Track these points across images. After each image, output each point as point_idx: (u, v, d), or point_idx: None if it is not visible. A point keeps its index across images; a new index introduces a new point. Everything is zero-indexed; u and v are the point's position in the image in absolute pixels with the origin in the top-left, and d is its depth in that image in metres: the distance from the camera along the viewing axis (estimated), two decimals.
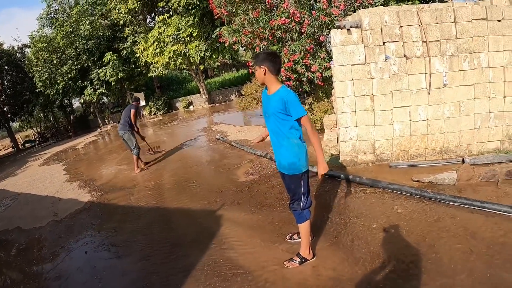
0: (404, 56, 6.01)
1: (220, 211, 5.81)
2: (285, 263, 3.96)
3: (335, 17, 7.95)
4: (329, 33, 6.86)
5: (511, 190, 5.01)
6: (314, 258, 3.98)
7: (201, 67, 22.52)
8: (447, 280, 3.29)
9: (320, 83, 8.61)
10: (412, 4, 8.46)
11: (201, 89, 25.63)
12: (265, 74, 3.54)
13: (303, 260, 3.90)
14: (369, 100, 6.16)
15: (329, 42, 8.02)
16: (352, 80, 6.11)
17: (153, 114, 26.83)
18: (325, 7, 8.14)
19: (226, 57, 23.70)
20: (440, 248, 3.79)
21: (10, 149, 31.07)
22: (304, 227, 3.85)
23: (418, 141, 6.28)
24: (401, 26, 5.95)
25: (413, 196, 5.07)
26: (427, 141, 6.28)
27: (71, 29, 24.06)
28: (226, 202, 6.11)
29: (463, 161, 6.04)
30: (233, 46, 11.19)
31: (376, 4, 8.30)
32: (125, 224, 6.16)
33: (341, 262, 3.85)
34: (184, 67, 22.28)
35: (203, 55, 20.22)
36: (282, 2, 8.61)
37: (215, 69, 39.71)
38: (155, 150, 11.41)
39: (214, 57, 20.86)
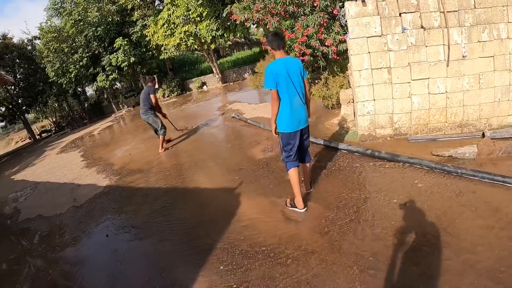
0: (422, 27, 5.83)
1: (239, 189, 5.81)
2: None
3: None
4: (343, 6, 6.69)
5: None
6: (305, 209, 4.64)
7: (213, 46, 22.18)
8: (470, 255, 3.24)
9: (335, 57, 8.44)
10: None
11: (213, 69, 25.43)
12: (273, 51, 4.47)
13: (293, 205, 4.75)
14: (387, 72, 6.01)
15: (343, 15, 7.84)
16: (369, 52, 5.96)
17: (167, 96, 26.87)
18: None
19: (238, 35, 23.45)
20: (461, 223, 3.74)
21: (28, 140, 31.67)
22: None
23: (437, 115, 6.14)
24: None
25: (433, 170, 4.98)
26: (446, 115, 6.13)
27: (79, 17, 24.04)
28: (244, 180, 6.10)
29: (483, 135, 5.91)
30: (245, 23, 11.03)
31: None
32: (144, 206, 6.22)
33: (362, 238, 3.82)
34: (196, 47, 22.06)
35: (214, 35, 19.93)
36: None
37: (227, 49, 39.30)
38: (180, 129, 11.40)
39: (225, 36, 20.55)
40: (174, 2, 20.42)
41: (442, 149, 5.49)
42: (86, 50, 24.86)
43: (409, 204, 4.26)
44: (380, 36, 5.89)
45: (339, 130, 7.36)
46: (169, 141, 10.24)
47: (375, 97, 6.16)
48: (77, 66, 24.67)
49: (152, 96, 9.29)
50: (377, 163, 5.54)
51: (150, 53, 25.38)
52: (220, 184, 6.26)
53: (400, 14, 5.82)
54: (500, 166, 4.92)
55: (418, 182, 4.76)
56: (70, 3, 26.04)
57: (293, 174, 4.61)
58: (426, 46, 5.88)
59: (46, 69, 25.72)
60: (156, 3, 24.62)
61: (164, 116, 9.91)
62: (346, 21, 6.14)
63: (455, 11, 5.77)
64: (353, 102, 6.86)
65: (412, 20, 5.82)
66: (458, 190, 4.41)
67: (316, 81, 9.61)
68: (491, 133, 5.88)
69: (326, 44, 8.29)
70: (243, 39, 38.51)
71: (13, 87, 28.59)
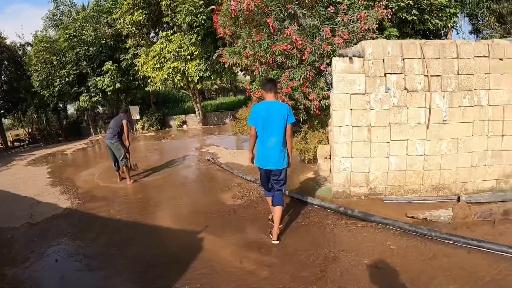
0: (405, 89, 5.94)
1: (203, 233, 5.55)
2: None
3: (338, 47, 7.90)
4: (330, 62, 6.78)
5: (507, 229, 4.92)
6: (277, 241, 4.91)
7: (199, 86, 22.31)
8: None
9: (317, 112, 8.49)
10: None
11: (196, 109, 25.40)
12: (263, 94, 5.06)
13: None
14: (367, 131, 6.02)
15: (329, 73, 7.94)
16: (351, 109, 5.99)
17: (146, 129, 26.56)
18: (328, 36, 8.09)
19: (225, 79, 23.62)
20: None
21: None
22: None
23: (413, 176, 6.13)
24: (403, 59, 5.90)
25: (407, 232, 4.89)
26: (423, 177, 6.13)
27: (74, 33, 23.90)
28: (210, 225, 5.85)
29: (458, 199, 5.89)
30: (233, 68, 11.12)
31: (378, 38, 8.30)
32: (102, 236, 5.88)
33: None
34: (182, 85, 22.06)
35: (201, 75, 20.09)
36: (285, 28, 8.57)
37: (212, 92, 39.69)
38: (133, 168, 10.81)
39: (212, 78, 20.72)
40: (169, 37, 20.67)
41: (417, 211, 5.43)
42: (75, 68, 24.50)
43: (380, 266, 4.11)
44: (364, 94, 5.95)
45: (314, 185, 7.25)
46: (123, 178, 9.65)
47: (353, 154, 6.13)
48: (63, 81, 24.17)
49: (124, 122, 9.12)
50: (349, 221, 5.41)
51: (137, 83, 25.24)
52: (184, 225, 6.00)
53: (385, 74, 5.92)
54: (475, 230, 4.91)
55: (391, 243, 4.64)
56: (69, 17, 26.04)
57: (268, 200, 5.29)
58: (408, 108, 5.96)
59: (31, 78, 25.11)
60: (151, 35, 24.79)
61: (128, 148, 9.58)
62: (331, 78, 6.19)
63: (438, 75, 5.91)
64: (330, 158, 6.83)
65: (396, 81, 5.92)
66: (432, 253, 4.32)
67: (296, 134, 9.62)
68: (467, 197, 5.89)
69: (309, 98, 8.35)
70: (229, 85, 38.96)
71: None
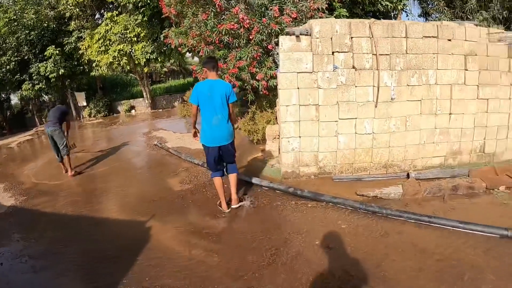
0: (353, 67, 5.88)
1: (150, 222, 5.28)
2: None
3: (286, 26, 7.74)
4: (278, 43, 6.61)
5: (457, 204, 5.01)
6: (229, 210, 5.24)
7: (146, 69, 21.53)
8: None
9: (265, 92, 8.35)
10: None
11: (144, 93, 24.57)
12: (206, 72, 5.00)
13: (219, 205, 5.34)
14: (314, 110, 5.93)
15: (277, 53, 7.79)
16: (298, 88, 5.85)
17: (93, 116, 25.40)
18: (277, 15, 7.92)
19: (173, 61, 22.98)
20: (388, 267, 3.58)
21: None
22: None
23: (363, 155, 6.14)
24: (352, 37, 5.82)
25: (358, 211, 4.87)
26: (372, 155, 6.16)
27: (15, 17, 22.01)
28: (157, 213, 5.56)
29: (408, 175, 5.98)
30: (179, 49, 10.75)
31: (328, 18, 8.22)
32: (46, 233, 5.44)
33: (280, 284, 3.49)
34: (128, 68, 21.29)
35: (148, 57, 19.39)
36: (232, 7, 8.30)
37: (162, 75, 38.62)
38: (72, 148, 10.09)
39: (160, 60, 20.10)
40: (114, 18, 19.70)
41: (367, 189, 5.43)
42: (16, 54, 22.92)
43: (332, 246, 4.04)
44: (311, 72, 5.82)
45: (263, 166, 7.12)
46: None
47: (301, 134, 6.02)
48: (4, 69, 22.59)
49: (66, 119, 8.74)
50: (300, 202, 5.32)
51: (82, 67, 23.97)
52: (131, 215, 5.69)
53: (333, 52, 5.82)
54: (426, 206, 4.95)
55: (342, 223, 4.60)
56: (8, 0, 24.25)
57: (215, 182, 5.28)
58: (356, 86, 5.91)
59: None
60: (96, 17, 23.57)
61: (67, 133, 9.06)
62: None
63: (387, 54, 5.89)
64: (279, 138, 6.71)
65: (344, 60, 5.84)
66: (384, 231, 4.31)
67: (244, 115, 9.44)
68: (416, 173, 5.98)
69: (257, 78, 8.18)
70: (179, 68, 37.96)
71: None
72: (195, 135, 5.41)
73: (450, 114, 6.32)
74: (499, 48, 6.73)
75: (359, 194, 5.37)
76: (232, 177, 5.33)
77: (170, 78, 39.86)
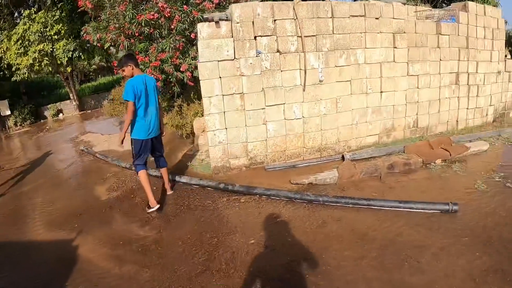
0: (278, 51, 5.66)
1: (78, 239, 4.78)
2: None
3: (209, 12, 7.35)
4: None
5: (395, 183, 4.99)
6: (158, 206, 5.04)
7: (69, 69, 20.23)
8: None
9: (190, 83, 7.94)
10: None
11: (71, 95, 23.14)
12: (133, 69, 4.93)
13: (149, 207, 5.08)
14: (239, 99, 5.63)
15: None
16: (220, 77, 5.51)
17: (20, 125, 23.64)
18: (198, 1, 7.53)
19: (97, 58, 21.83)
20: (330, 258, 3.42)
21: None
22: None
23: (294, 141, 5.97)
24: (275, 20, 5.59)
25: (294, 201, 4.68)
26: (304, 140, 6.01)
27: None
28: (84, 228, 5.04)
29: (343, 157, 5.92)
30: (98, 44, 10.05)
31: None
32: None
33: None
34: (50, 69, 19.96)
35: (71, 56, 18.20)
36: None
37: (91, 73, 36.89)
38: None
39: (83, 58, 18.98)
40: (32, 16, 18.27)
41: (302, 177, 5.27)
42: None
43: (268, 244, 3.81)
44: (233, 60, 5.51)
45: (193, 162, 6.79)
46: None
47: (227, 125, 5.71)
48: None
49: None
50: (232, 198, 5.04)
51: (2, 73, 22.28)
52: (59, 234, 5.10)
53: (255, 37, 5.56)
54: (363, 188, 4.89)
55: (277, 216, 4.39)
56: None
57: (143, 176, 5.07)
58: (281, 71, 5.69)
59: None
60: (15, 15, 21.82)
61: None
62: None
63: (313, 36, 5.73)
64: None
65: (267, 44, 5.60)
66: (322, 220, 4.16)
67: (171, 110, 9.00)
68: (351, 154, 5.92)
69: (181, 69, 7.76)
70: (107, 64, 36.41)
71: None
72: (123, 142, 5.07)
73: (381, 92, 6.36)
74: (428, 25, 6.88)
75: (294, 183, 5.21)
76: (164, 171, 5.47)
77: (100, 76, 38.12)
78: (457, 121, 7.87)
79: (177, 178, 5.88)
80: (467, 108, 8.02)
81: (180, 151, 7.70)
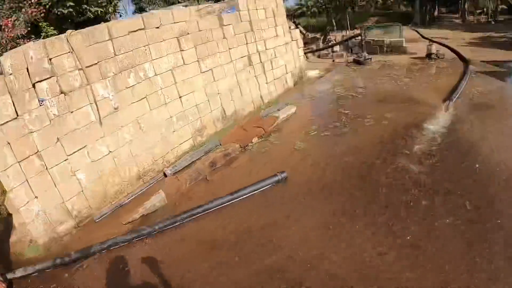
0: (61, 92, 5.13)
1: None
2: None
3: None
4: None
5: (222, 178, 5.27)
6: None
7: None
8: None
9: None
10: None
11: None
12: None
13: None
14: (38, 159, 4.85)
15: None
16: (8, 143, 4.57)
17: None
18: None
19: None
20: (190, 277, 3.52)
21: None
22: None
23: (111, 179, 5.64)
24: (50, 59, 5.01)
25: (133, 242, 4.46)
26: (120, 174, 5.73)
27: None
28: None
29: (165, 175, 5.92)
30: None
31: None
32: None
33: None
34: None
35: None
36: None
37: None
38: None
39: None
40: None
41: (132, 213, 5.07)
42: None
43: None
44: (17, 118, 4.67)
45: (21, 246, 5.15)
46: None
47: (36, 193, 4.86)
48: None
49: None
50: (72, 270, 4.36)
51: None
52: None
53: (34, 84, 4.85)
54: (194, 196, 4.99)
55: (123, 267, 4.07)
56: None
57: None
58: (72, 112, 5.23)
59: None
60: None
61: None
62: None
63: (95, 64, 5.40)
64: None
65: (49, 88, 5.01)
66: (167, 247, 4.16)
67: None
68: (171, 169, 5.94)
69: None
70: None
71: None
72: None
73: (180, 97, 6.47)
74: (210, 20, 7.17)
75: (126, 223, 4.96)
76: None
77: None
78: (261, 96, 8.50)
79: (9, 276, 4.53)
80: (267, 83, 8.84)
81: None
